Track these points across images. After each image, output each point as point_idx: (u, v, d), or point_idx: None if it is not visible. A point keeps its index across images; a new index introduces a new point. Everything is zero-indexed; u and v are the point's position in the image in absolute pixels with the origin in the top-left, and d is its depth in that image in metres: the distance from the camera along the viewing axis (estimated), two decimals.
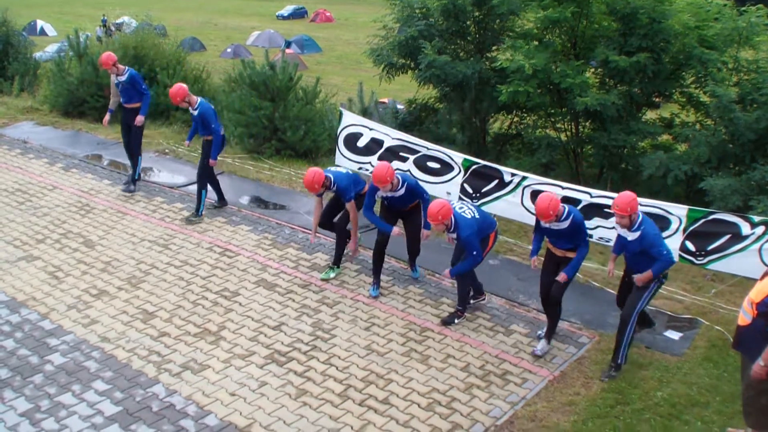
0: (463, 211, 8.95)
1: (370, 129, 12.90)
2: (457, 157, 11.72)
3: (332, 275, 10.33)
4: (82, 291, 9.80)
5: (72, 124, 17.43)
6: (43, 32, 54.43)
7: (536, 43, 15.43)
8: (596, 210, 10.43)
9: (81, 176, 13.76)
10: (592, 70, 15.19)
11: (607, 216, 10.29)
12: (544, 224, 8.43)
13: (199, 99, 11.97)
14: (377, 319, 9.29)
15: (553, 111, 15.94)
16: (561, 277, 8.47)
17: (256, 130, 15.38)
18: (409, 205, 9.93)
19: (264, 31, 56.44)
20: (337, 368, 8.30)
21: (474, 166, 11.50)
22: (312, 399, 7.77)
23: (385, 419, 7.49)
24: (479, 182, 11.43)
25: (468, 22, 16.51)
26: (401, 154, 12.33)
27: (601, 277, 10.31)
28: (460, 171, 11.58)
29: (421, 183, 11.76)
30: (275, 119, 15.27)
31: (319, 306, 9.58)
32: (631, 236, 8.02)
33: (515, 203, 11.05)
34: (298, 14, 77.97)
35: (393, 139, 12.53)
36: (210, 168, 12.07)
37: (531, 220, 11.02)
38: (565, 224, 8.37)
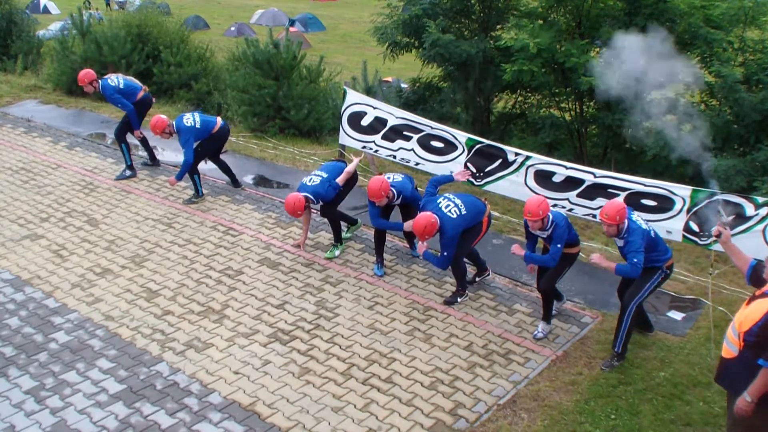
0: (449, 210, 8.99)
1: (374, 108, 12.84)
2: (461, 136, 11.68)
3: (337, 253, 10.39)
4: (86, 269, 9.83)
5: (76, 102, 17.40)
6: (46, 10, 54.19)
7: (541, 22, 15.38)
8: (600, 190, 10.40)
9: (85, 155, 13.76)
10: (597, 49, 15.13)
11: (611, 196, 10.26)
12: (531, 230, 8.49)
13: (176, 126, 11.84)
14: (381, 298, 9.31)
15: (557, 90, 15.92)
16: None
17: (260, 108, 15.36)
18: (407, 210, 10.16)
19: (268, 10, 56.16)
20: (340, 347, 8.33)
21: (478, 146, 11.46)
22: (315, 377, 7.80)
23: (388, 398, 7.52)
24: (483, 161, 11.39)
25: (472, 1, 16.47)
26: (405, 133, 12.29)
27: (604, 257, 10.26)
28: (463, 150, 11.54)
29: (425, 164, 11.79)
30: (279, 98, 15.24)
31: (322, 285, 9.60)
32: (619, 242, 8.03)
33: (519, 183, 11.02)
34: None
35: (397, 118, 12.48)
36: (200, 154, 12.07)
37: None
38: (548, 232, 8.40)
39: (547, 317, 8.77)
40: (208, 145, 12.02)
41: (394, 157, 12.48)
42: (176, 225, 11.06)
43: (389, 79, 20.57)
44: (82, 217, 11.26)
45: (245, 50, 15.90)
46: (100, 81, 12.68)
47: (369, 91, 16.23)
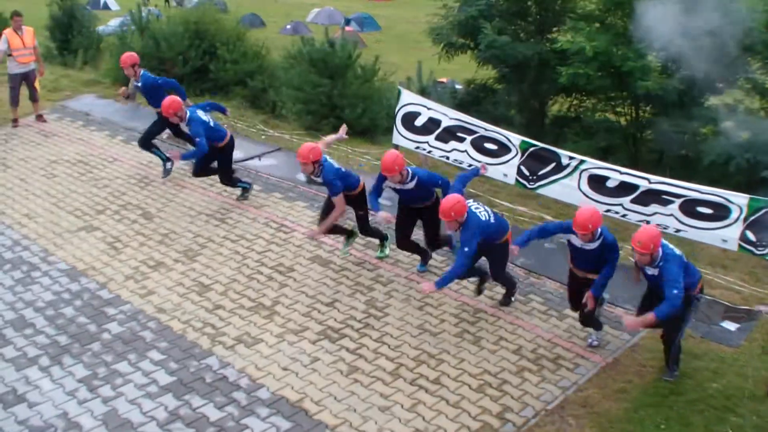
0: (479, 212, 8.49)
1: (428, 108, 12.82)
2: (515, 138, 11.61)
3: (387, 251, 10.36)
4: (139, 262, 9.97)
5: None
6: (106, 6, 54.99)
7: (598, 24, 15.22)
8: (654, 196, 10.27)
9: (140, 149, 13.91)
10: (655, 53, 14.94)
11: (665, 203, 10.13)
12: (574, 242, 8.06)
13: (189, 111, 11.41)
14: (431, 299, 9.28)
15: (613, 94, 15.75)
16: (589, 303, 8.05)
17: (315, 107, 15.43)
18: (422, 203, 9.57)
19: (324, 9, 56.39)
20: (389, 347, 8.33)
21: (531, 149, 11.38)
22: (363, 376, 7.82)
23: (435, 399, 7.51)
24: (536, 165, 11.31)
25: (529, 2, 16.40)
26: (458, 134, 12.25)
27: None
28: (517, 153, 11.47)
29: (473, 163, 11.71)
30: (334, 96, 15.30)
31: (372, 284, 9.61)
32: (651, 271, 7.56)
33: (572, 187, 10.92)
34: None
35: (450, 119, 12.44)
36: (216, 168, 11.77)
37: (588, 205, 10.90)
38: (595, 245, 7.97)
39: (597, 325, 8.60)
40: (220, 157, 11.64)
41: (447, 158, 12.45)
42: (229, 220, 11.15)
43: (444, 79, 20.50)
44: (136, 210, 11.42)
45: (301, 48, 16.00)
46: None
47: (423, 92, 16.22)
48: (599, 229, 7.90)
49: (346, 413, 7.28)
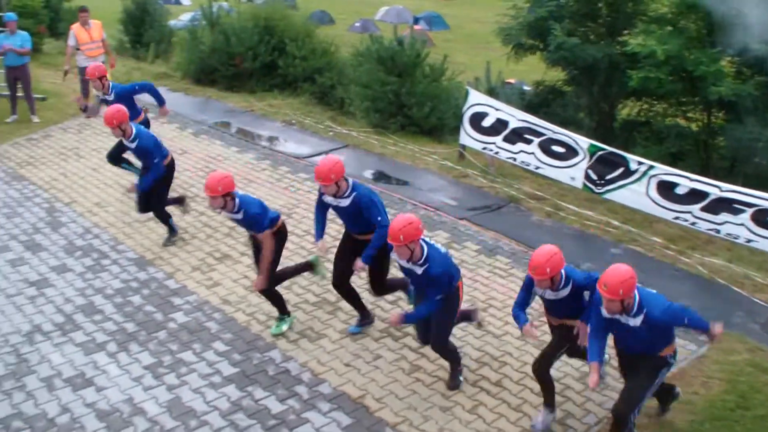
0: (435, 245, 7.23)
1: (496, 109, 12.78)
2: (583, 141, 11.50)
3: (284, 327, 8.55)
4: (206, 254, 10.11)
5: (203, 91, 17.92)
6: (177, 1, 55.80)
7: (670, 28, 14.98)
8: (725, 205, 10.08)
9: (210, 142, 14.14)
10: (729, 58, 14.65)
11: (736, 212, 9.94)
12: (536, 289, 6.78)
13: (135, 129, 9.88)
14: (494, 301, 9.22)
15: (684, 99, 15.52)
16: (581, 333, 6.84)
17: (382, 104, 15.45)
18: (360, 230, 8.05)
19: (393, 7, 56.44)
20: None
21: (600, 152, 11.27)
22: (425, 375, 7.81)
23: (497, 401, 7.47)
24: (604, 169, 11.20)
25: (599, 4, 16.22)
26: (526, 136, 12.19)
27: (726, 275, 9.95)
28: (585, 156, 11.36)
29: (546, 168, 11.56)
30: (401, 95, 15.30)
31: None
32: (633, 321, 6.23)
33: (640, 193, 10.78)
34: None
35: (518, 120, 12.39)
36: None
37: (656, 211, 10.75)
38: (564, 293, 6.70)
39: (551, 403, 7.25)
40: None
41: (514, 159, 12.40)
42: (295, 215, 11.22)
43: (512, 80, 20.39)
44: (205, 203, 11.54)
45: (369, 46, 16.03)
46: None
47: (491, 92, 16.14)
48: (563, 273, 6.58)
49: (407, 412, 7.29)
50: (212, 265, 9.80)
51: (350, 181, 7.88)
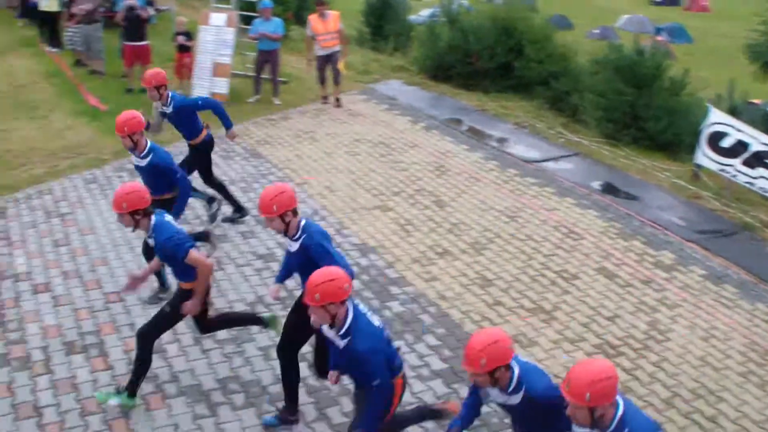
0: (368, 315, 5.63)
1: (738, 130, 12.11)
2: None
3: (113, 402, 7.02)
4: (427, 247, 10.19)
5: (437, 87, 18.09)
6: None
7: None
8: None
9: (440, 138, 14.25)
10: None
11: None
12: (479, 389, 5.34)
13: (149, 143, 8.40)
14: (717, 331, 8.71)
15: None
16: None
17: (616, 115, 15.03)
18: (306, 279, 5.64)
19: (634, 15, 54.82)
20: (666, 373, 7.91)
21: None
22: (635, 398, 7.48)
23: None
24: None
25: None
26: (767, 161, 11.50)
27: None
28: None
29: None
30: (637, 107, 14.81)
31: (657, 305, 9.17)
32: (513, 399, 5.03)
33: None
34: (673, 1, 74.91)
35: (761, 144, 11.68)
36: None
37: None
38: (515, 399, 5.03)
39: None
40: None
41: (753, 184, 11.72)
42: (519, 219, 11.10)
43: (757, 101, 19.22)
44: (430, 197, 11.67)
45: (608, 54, 15.63)
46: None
47: (733, 112, 15.27)
48: (514, 375, 4.96)
49: None
50: (432, 259, 9.87)
51: (302, 220, 6.39)
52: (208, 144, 10.23)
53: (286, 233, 6.31)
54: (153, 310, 7.59)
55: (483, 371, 4.80)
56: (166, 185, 8.40)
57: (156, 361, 7.56)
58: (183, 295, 6.89)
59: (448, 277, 9.48)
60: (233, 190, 11.23)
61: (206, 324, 7.31)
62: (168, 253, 6.65)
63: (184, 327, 8.08)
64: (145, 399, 7.17)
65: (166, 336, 7.72)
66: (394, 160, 13.03)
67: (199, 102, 10.22)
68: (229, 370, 7.64)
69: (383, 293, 9.07)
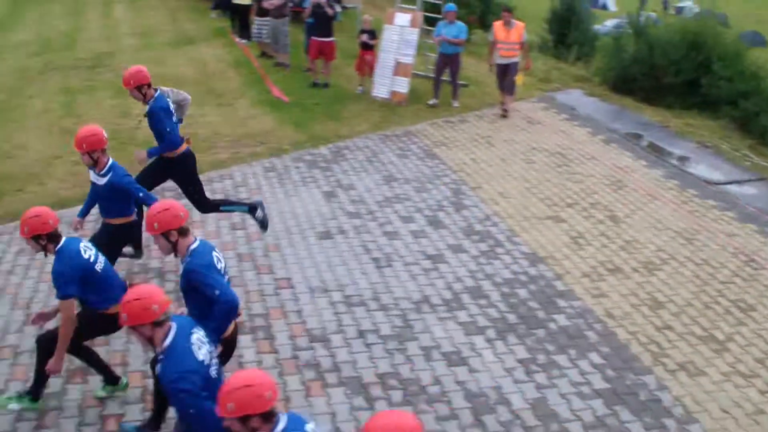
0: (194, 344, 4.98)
1: None
2: None
3: (13, 406, 6.83)
4: (598, 263, 10.01)
5: (619, 99, 17.65)
6: (604, 6, 55.55)
7: None
8: None
9: (619, 152, 13.94)
10: None
11: None
12: None
13: (110, 161, 7.83)
14: None
15: None
16: None
17: None
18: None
19: None
20: None
21: None
22: None
23: None
24: None
25: None
26: None
27: None
28: None
29: None
30: None
31: None
32: None
33: None
34: None
35: None
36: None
37: None
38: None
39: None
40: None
41: None
42: (696, 242, 10.72)
43: None
44: (605, 211, 11.46)
45: None
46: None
47: None
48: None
49: None
50: (602, 275, 9.69)
51: (197, 240, 6.03)
52: (189, 157, 9.51)
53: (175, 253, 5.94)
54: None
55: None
56: (118, 209, 8.05)
57: (319, 350, 7.85)
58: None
59: (617, 294, 9.29)
60: (407, 189, 11.42)
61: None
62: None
63: (350, 320, 8.34)
64: (306, 384, 7.43)
65: (330, 326, 8.03)
66: (571, 171, 12.86)
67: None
68: (389, 365, 7.79)
69: (549, 305, 8.99)
